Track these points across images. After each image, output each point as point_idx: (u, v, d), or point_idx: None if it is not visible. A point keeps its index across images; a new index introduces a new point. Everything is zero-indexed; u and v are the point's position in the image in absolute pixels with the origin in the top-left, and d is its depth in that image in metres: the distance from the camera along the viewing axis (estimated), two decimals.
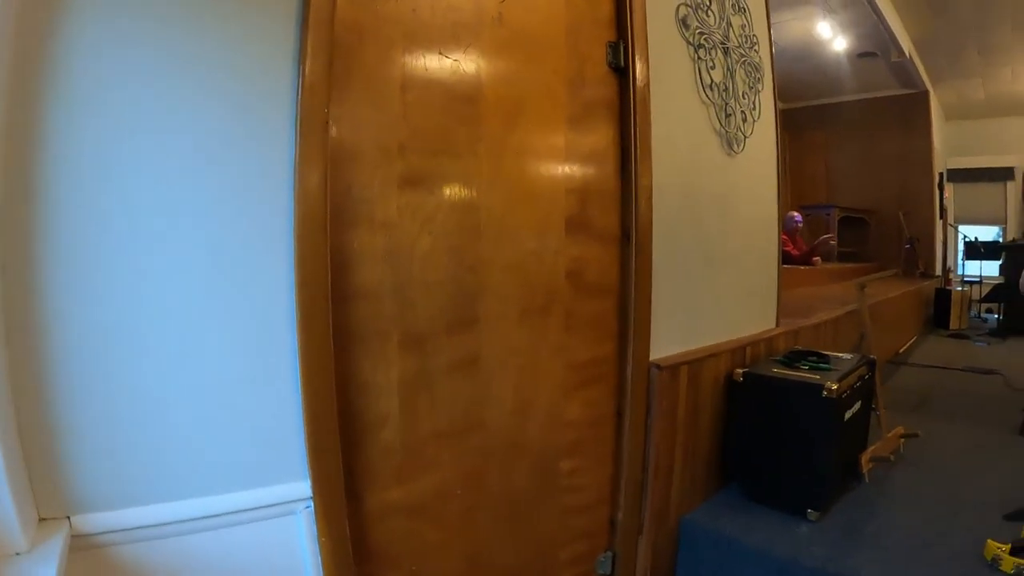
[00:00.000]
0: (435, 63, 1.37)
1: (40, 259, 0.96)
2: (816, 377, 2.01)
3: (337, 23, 1.18)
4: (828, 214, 7.25)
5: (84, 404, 1.00)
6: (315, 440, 1.17)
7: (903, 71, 7.00)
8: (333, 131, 1.19)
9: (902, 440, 2.58)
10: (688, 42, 2.04)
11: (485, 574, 1.57)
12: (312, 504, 1.19)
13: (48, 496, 0.98)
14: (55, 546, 0.91)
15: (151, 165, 1.03)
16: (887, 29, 5.84)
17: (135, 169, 1.01)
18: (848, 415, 2.08)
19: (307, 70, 1.13)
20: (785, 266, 5.45)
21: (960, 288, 7.22)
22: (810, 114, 8.43)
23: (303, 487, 1.18)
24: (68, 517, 0.99)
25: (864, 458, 2.25)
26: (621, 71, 1.76)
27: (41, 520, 0.97)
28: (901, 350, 5.12)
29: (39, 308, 0.96)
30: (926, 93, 7.62)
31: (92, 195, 0.98)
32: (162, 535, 1.06)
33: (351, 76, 1.24)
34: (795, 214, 6.44)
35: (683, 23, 2.01)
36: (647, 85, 1.79)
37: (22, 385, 0.95)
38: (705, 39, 2.11)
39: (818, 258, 6.02)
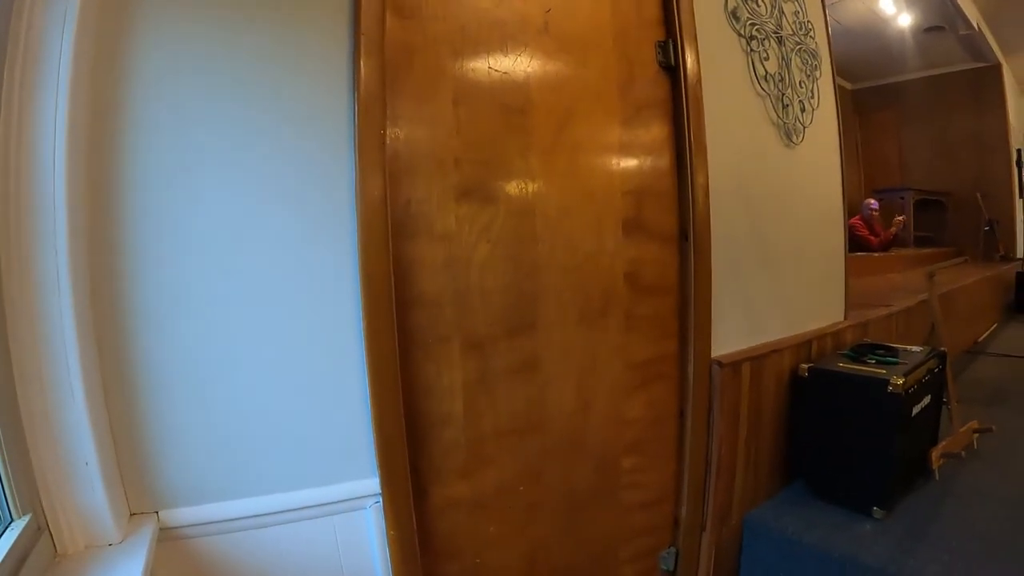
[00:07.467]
0: (485, 77, 1.41)
1: (128, 271, 1.04)
2: (882, 372, 1.95)
3: (388, 44, 1.24)
4: (903, 198, 6.95)
5: (175, 409, 1.09)
6: (383, 439, 1.24)
7: (972, 44, 6.64)
8: (390, 147, 1.25)
9: (975, 435, 2.46)
10: (739, 34, 2.02)
11: (546, 568, 1.60)
12: (380, 499, 1.26)
13: (139, 493, 1.08)
14: (144, 538, 1.01)
15: (219, 187, 1.11)
16: (952, 2, 5.57)
17: (208, 185, 1.10)
18: (916, 410, 2.01)
19: (361, 89, 1.19)
20: (859, 254, 5.33)
21: None
22: (879, 94, 8.05)
23: (372, 483, 1.26)
24: (157, 512, 1.09)
25: (934, 454, 2.16)
26: (672, 69, 1.75)
27: (132, 515, 1.07)
28: (980, 339, 4.87)
29: (129, 318, 1.05)
30: (998, 66, 7.22)
31: (167, 202, 1.07)
32: (240, 528, 1.15)
33: (404, 94, 1.29)
34: (871, 201, 6.24)
35: (733, 16, 1.98)
36: (699, 81, 1.78)
37: (117, 391, 1.04)
38: (757, 30, 2.08)
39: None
